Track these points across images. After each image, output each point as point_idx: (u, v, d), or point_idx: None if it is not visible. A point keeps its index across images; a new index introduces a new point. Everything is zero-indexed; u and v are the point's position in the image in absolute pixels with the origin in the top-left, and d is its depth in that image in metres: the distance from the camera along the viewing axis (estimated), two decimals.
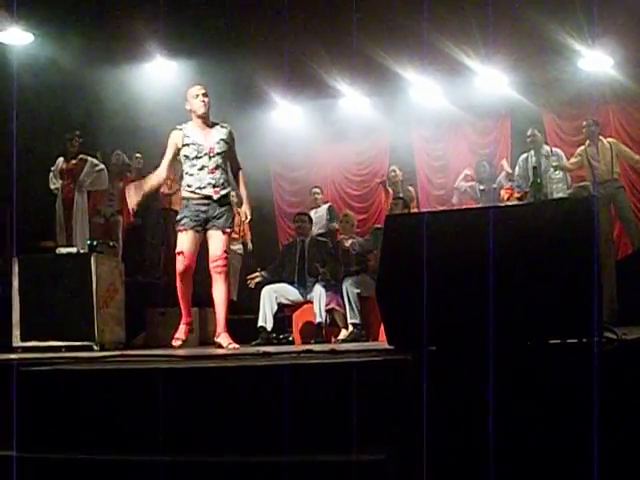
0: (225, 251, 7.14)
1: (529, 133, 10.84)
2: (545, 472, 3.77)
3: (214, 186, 7.10)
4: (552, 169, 10.10)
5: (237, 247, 12.09)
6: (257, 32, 10.82)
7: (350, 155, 13.92)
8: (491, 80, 11.99)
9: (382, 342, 4.66)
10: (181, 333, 7.34)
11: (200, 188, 7.10)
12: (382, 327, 4.77)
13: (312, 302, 9.02)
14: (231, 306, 11.22)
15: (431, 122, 13.01)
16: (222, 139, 7.20)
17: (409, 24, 10.12)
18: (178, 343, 7.24)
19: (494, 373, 3.79)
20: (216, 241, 7.12)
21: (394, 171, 11.81)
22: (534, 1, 10.32)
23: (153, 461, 3.82)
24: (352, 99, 12.87)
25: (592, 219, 4.21)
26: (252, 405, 4.00)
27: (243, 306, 10.92)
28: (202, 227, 7.11)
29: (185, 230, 7.11)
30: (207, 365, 4.58)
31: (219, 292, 7.26)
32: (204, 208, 7.10)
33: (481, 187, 11.08)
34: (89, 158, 10.54)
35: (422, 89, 12.40)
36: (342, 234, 9.96)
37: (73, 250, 8.67)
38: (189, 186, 7.14)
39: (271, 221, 14.05)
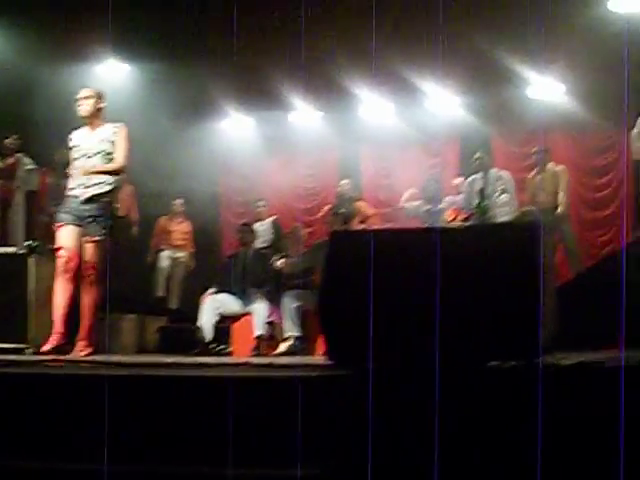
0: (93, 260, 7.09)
1: (477, 156, 10.89)
2: None
3: (86, 187, 7.11)
4: (498, 192, 10.16)
5: (179, 255, 12.00)
6: (211, 41, 10.80)
7: (299, 168, 13.88)
8: (442, 102, 12.06)
9: (321, 357, 4.63)
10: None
11: (73, 189, 7.17)
12: (322, 342, 4.75)
13: (252, 314, 8.98)
14: (173, 314, 11.23)
15: (381, 140, 13.02)
16: (106, 139, 7.22)
17: (363, 41, 10.13)
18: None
19: (434, 393, 3.79)
20: (86, 248, 7.11)
21: (342, 187, 11.81)
22: (487, 26, 10.41)
23: (88, 469, 3.77)
24: (303, 113, 12.86)
25: (535, 244, 4.23)
26: (185, 416, 3.96)
27: (184, 315, 10.85)
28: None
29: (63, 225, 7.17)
30: (142, 373, 4.54)
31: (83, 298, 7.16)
32: (81, 208, 7.11)
33: (427, 207, 11.10)
34: (23, 157, 10.44)
35: (374, 106, 12.43)
36: (288, 247, 9.95)
37: (9, 250, 8.53)
38: (69, 187, 7.22)
39: (216, 231, 13.97)
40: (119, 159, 7.24)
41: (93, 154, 7.18)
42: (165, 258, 11.83)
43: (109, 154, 7.20)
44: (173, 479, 3.76)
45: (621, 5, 9.76)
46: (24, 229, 10.35)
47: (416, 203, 11.17)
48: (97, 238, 7.08)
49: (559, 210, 10.39)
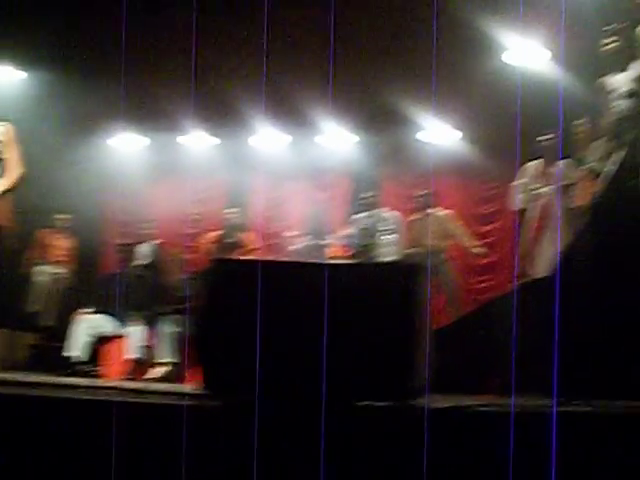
0: None
1: (366, 194, 10.96)
2: None
3: None
4: (384, 232, 10.22)
5: (57, 271, 11.76)
6: (111, 58, 10.67)
7: (186, 193, 13.76)
8: (337, 138, 12.11)
9: (195, 385, 4.55)
10: None
11: None
12: (196, 370, 4.67)
13: (128, 336, 8.84)
14: (47, 331, 10.96)
15: (271, 171, 13.01)
16: None
17: (260, 70, 10.15)
18: None
19: (305, 428, 3.76)
20: None
21: (231, 213, 11.75)
22: (384, 68, 10.54)
23: None
24: (196, 137, 12.77)
25: (415, 286, 4.24)
26: (50, 438, 3.85)
27: (59, 333, 10.60)
28: None
29: None
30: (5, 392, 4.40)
31: None
32: None
33: (311, 242, 11.11)
34: None
35: (268, 137, 12.41)
36: (169, 272, 9.83)
37: None
38: None
39: (98, 249, 13.74)
40: (16, 167, 6.92)
41: None
42: (43, 273, 11.56)
43: None
44: None
45: (514, 57, 9.97)
46: None
47: (300, 240, 11.18)
48: None
49: (442, 253, 10.50)
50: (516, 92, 9.70)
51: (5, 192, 6.91)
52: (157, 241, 11.83)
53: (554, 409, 3.89)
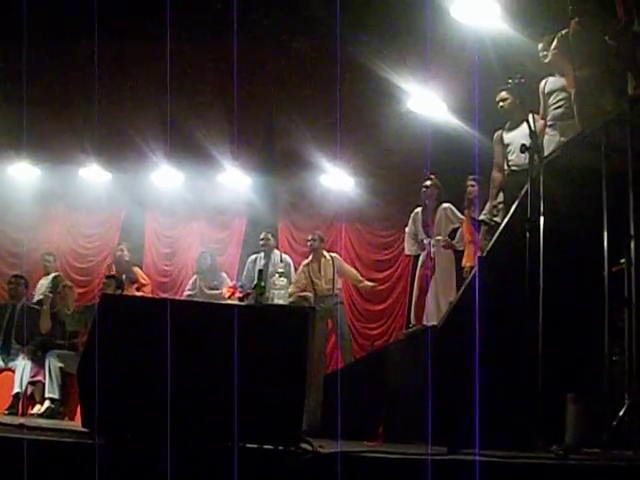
0: None
1: (262, 236, 10.99)
2: None
3: None
4: (277, 274, 10.22)
5: None
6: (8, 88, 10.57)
7: (80, 227, 13.59)
8: (233, 178, 12.09)
9: (79, 422, 4.47)
10: None
11: None
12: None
13: (14, 370, 8.66)
14: None
15: (167, 208, 12.93)
16: None
17: (160, 104, 10.14)
18: None
19: (192, 469, 3.72)
20: None
21: (122, 250, 11.64)
22: (286, 112, 10.63)
23: None
24: (92, 170, 12.60)
25: (306, 330, 4.25)
26: None
27: None
28: None
29: None
30: None
31: None
32: None
33: (202, 282, 11.09)
34: None
35: (166, 173, 12.33)
36: (62, 305, 9.68)
37: None
38: None
39: None
40: None
41: None
42: None
43: None
44: None
45: (418, 105, 10.13)
46: None
47: (193, 277, 11.14)
48: None
49: (334, 297, 10.54)
50: (416, 141, 9.92)
51: None
52: (54, 274, 11.67)
53: (429, 458, 3.92)
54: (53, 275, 11.80)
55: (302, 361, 4.09)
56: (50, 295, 11.07)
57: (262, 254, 10.96)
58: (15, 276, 9.91)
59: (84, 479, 3.78)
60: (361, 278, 10.99)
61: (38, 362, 8.70)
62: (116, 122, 10.60)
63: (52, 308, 10.16)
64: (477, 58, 8.00)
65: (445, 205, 9.29)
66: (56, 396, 8.32)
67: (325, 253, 10.70)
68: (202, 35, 10.93)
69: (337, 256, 10.88)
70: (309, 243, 10.76)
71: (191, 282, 11.36)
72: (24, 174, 12.95)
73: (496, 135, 8.22)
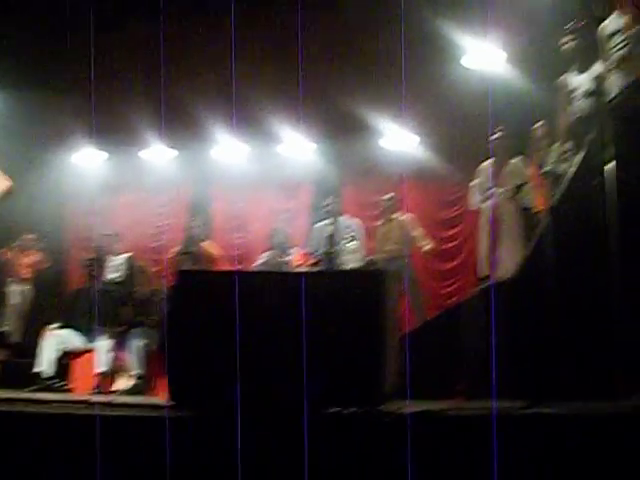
0: None
1: (328, 202, 10.99)
2: None
3: None
4: (347, 239, 10.24)
5: (25, 287, 11.76)
6: (68, 73, 10.65)
7: (150, 206, 13.75)
8: (296, 147, 12.12)
9: (163, 397, 4.56)
10: None
11: None
12: (164, 381, 4.68)
13: (96, 350, 8.81)
14: (14, 348, 10.91)
15: (233, 181, 13.00)
16: None
17: (219, 81, 10.17)
18: None
19: (274, 436, 3.78)
20: None
21: (192, 226, 11.74)
22: (339, 75, 10.58)
23: None
24: (157, 150, 12.74)
25: (380, 292, 4.27)
26: (22, 453, 3.85)
27: (26, 349, 10.56)
28: None
29: None
30: None
31: None
32: None
33: (275, 255, 11.13)
34: None
35: (229, 148, 12.41)
36: (138, 285, 9.81)
37: None
38: None
39: (63, 265, 13.68)
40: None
41: None
42: (11, 291, 11.57)
43: None
44: None
45: (473, 61, 10.03)
46: None
47: (266, 254, 11.20)
48: None
49: (405, 258, 10.53)
50: (477, 94, 9.82)
51: None
52: (127, 254, 11.82)
53: (493, 412, 3.94)
54: (127, 255, 11.96)
55: (379, 323, 4.12)
56: (128, 274, 11.26)
57: (329, 220, 10.97)
58: (91, 258, 10.06)
59: (172, 451, 3.86)
60: (423, 239, 10.93)
61: (119, 341, 8.85)
62: (178, 100, 10.65)
63: (130, 287, 10.33)
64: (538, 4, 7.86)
65: (514, 160, 9.19)
66: (140, 372, 8.45)
67: (397, 214, 10.68)
68: (255, 3, 10.93)
69: (409, 217, 10.84)
70: (381, 204, 10.74)
71: (264, 255, 11.39)
72: (91, 159, 13.14)
73: (560, 81, 8.08)
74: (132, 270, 11.07)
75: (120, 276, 10.96)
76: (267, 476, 3.77)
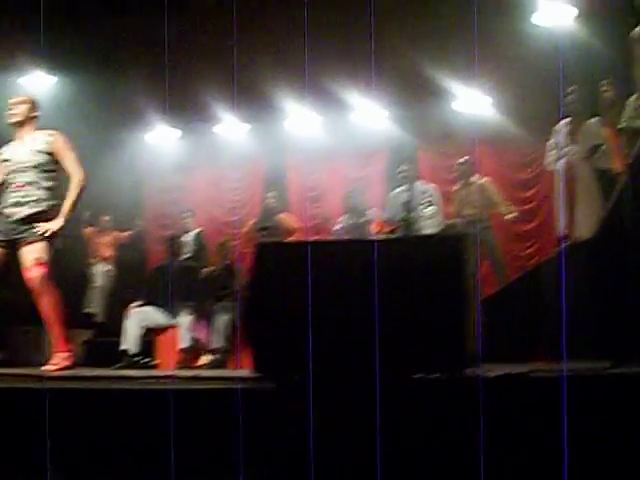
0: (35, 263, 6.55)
1: (403, 168, 10.95)
2: None
3: (18, 204, 6.65)
4: (424, 205, 10.20)
5: (107, 268, 11.97)
6: (140, 52, 10.72)
7: (225, 181, 13.85)
8: (369, 114, 12.09)
9: (247, 369, 4.61)
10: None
11: (5, 207, 6.70)
12: (248, 354, 4.73)
13: (178, 326, 8.92)
14: (98, 327, 11.12)
15: (307, 152, 13.02)
16: (38, 150, 6.72)
17: (290, 53, 10.15)
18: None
19: (360, 405, 3.79)
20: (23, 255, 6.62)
21: (269, 198, 11.80)
22: (414, 39, 10.48)
23: None
24: (230, 125, 12.81)
25: (460, 257, 4.26)
26: (111, 429, 3.92)
27: (110, 328, 10.75)
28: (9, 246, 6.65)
29: None
30: (66, 387, 4.48)
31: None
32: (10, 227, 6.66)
33: (351, 220, 11.13)
34: None
35: (300, 119, 12.42)
36: (216, 259, 9.91)
37: None
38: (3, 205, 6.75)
39: (141, 243, 13.86)
40: (76, 173, 6.76)
41: (28, 168, 6.65)
42: (98, 274, 11.81)
43: (46, 166, 6.69)
44: None
45: (544, 19, 9.88)
46: None
47: (340, 220, 11.21)
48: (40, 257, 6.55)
49: (484, 221, 10.47)
50: (547, 53, 9.67)
51: (74, 203, 6.80)
52: (198, 229, 11.96)
53: (564, 372, 3.90)
54: (196, 231, 12.10)
55: (460, 287, 4.10)
56: (202, 249, 11.39)
57: (405, 186, 10.93)
58: (171, 235, 10.19)
59: (259, 423, 3.89)
60: (503, 203, 10.86)
61: (201, 316, 8.95)
62: (249, 74, 10.66)
63: (208, 262, 10.45)
64: None
65: (590, 120, 9.05)
66: (223, 346, 8.54)
67: (474, 177, 10.62)
68: None
69: (486, 181, 10.77)
70: (457, 168, 10.69)
71: (340, 221, 11.43)
72: (164, 137, 13.26)
73: (635, 32, 7.90)
74: (205, 246, 11.20)
75: (194, 252, 11.10)
76: (352, 446, 3.79)
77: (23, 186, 6.66)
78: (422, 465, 3.79)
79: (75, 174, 6.78)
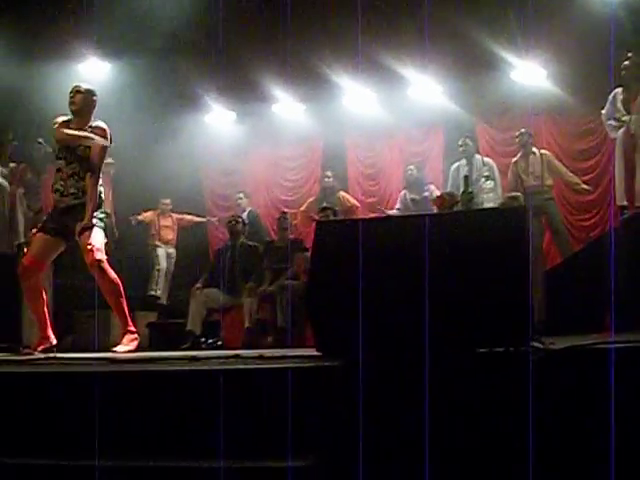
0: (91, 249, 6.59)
1: (461, 142, 10.90)
2: (478, 477, 3.78)
3: (63, 194, 6.74)
4: (483, 179, 10.15)
5: (170, 251, 12.10)
6: (192, 35, 10.77)
7: (283, 161, 13.90)
8: (425, 89, 12.03)
9: (311, 348, 4.63)
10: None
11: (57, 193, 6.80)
12: (311, 333, 4.75)
13: (242, 306, 8.99)
14: (162, 309, 11.25)
15: (364, 130, 13.02)
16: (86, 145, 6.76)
17: (345, 31, 10.14)
18: None
19: (423, 381, 3.79)
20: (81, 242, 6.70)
21: (327, 177, 11.81)
22: (470, 12, 10.40)
23: (83, 465, 3.76)
24: (286, 105, 12.83)
25: (522, 229, 4.23)
26: (179, 410, 3.96)
27: (174, 310, 10.88)
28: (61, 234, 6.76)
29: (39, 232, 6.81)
30: (134, 369, 4.53)
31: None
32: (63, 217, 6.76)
33: (411, 196, 11.11)
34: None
35: (356, 96, 12.40)
36: (278, 238, 9.97)
37: None
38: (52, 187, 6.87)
39: (202, 225, 13.97)
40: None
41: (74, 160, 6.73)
42: (162, 257, 11.95)
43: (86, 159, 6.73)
44: (167, 473, 3.76)
45: None
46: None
47: (401, 196, 11.20)
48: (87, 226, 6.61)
49: (545, 193, 10.41)
50: (602, 22, 9.55)
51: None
52: (250, 209, 12.06)
53: (628, 344, 3.86)
54: (248, 210, 12.19)
55: (523, 260, 4.07)
56: (262, 229, 11.47)
57: (464, 160, 10.89)
58: (233, 216, 10.25)
59: (322, 402, 3.91)
60: (571, 175, 10.79)
61: (264, 296, 9.00)
62: (303, 53, 10.66)
63: (267, 242, 10.51)
64: None
65: None
66: (287, 326, 8.58)
67: (534, 149, 10.55)
68: None
69: (547, 152, 10.70)
70: (517, 139, 10.62)
71: (400, 197, 11.42)
72: (221, 119, 13.33)
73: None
74: (262, 225, 11.26)
75: (251, 232, 11.17)
76: (415, 424, 3.79)
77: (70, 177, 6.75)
78: (487, 440, 3.79)
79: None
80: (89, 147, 6.73)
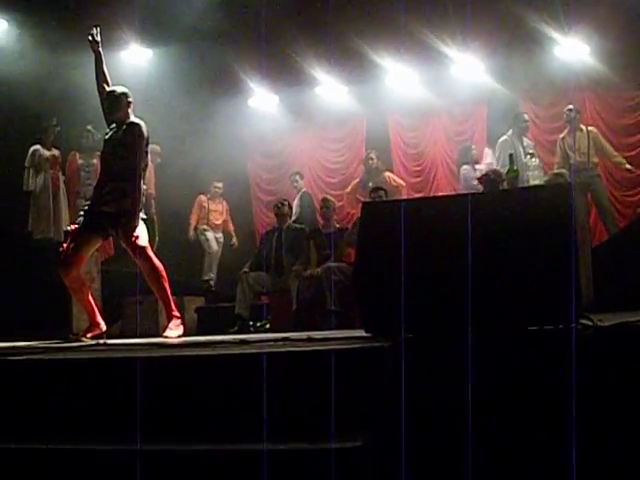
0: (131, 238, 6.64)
1: (508, 120, 10.83)
2: (524, 457, 3.78)
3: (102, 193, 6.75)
4: (528, 156, 10.09)
5: (218, 235, 12.17)
6: (234, 20, 10.78)
7: (327, 143, 13.92)
8: (468, 67, 11.95)
9: (360, 330, 4.65)
10: None
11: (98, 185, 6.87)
12: (359, 314, 4.76)
13: (289, 289, 9.01)
14: (211, 294, 11.32)
15: (407, 110, 13.00)
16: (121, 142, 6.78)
17: (386, 11, 10.11)
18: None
19: (472, 360, 3.80)
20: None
21: (372, 158, 11.80)
22: None
23: (133, 450, 3.81)
24: (329, 87, 12.83)
25: (569, 206, 4.21)
26: (229, 393, 3.99)
27: (222, 294, 10.93)
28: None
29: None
30: (184, 353, 4.57)
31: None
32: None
33: (471, 173, 11.00)
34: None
35: (399, 77, 12.36)
36: (323, 222, 9.97)
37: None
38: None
39: (248, 209, 14.04)
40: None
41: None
42: (212, 241, 12.03)
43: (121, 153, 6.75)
44: (215, 456, 3.79)
45: None
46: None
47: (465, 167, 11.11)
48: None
49: (591, 170, 10.36)
50: None
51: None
52: (303, 190, 12.08)
53: None
54: (301, 192, 12.22)
55: (570, 237, 4.06)
56: (310, 212, 11.48)
57: (510, 132, 10.81)
58: (279, 200, 10.28)
59: (372, 383, 3.93)
60: (616, 154, 10.72)
61: (310, 279, 9.01)
62: (348, 35, 10.64)
63: (313, 224, 10.52)
64: None
65: None
66: (336, 307, 8.57)
67: (581, 126, 10.49)
68: None
69: (594, 129, 10.64)
70: (565, 115, 10.56)
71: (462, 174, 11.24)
72: (264, 103, 13.34)
73: None
74: (313, 206, 11.27)
75: (302, 214, 11.19)
76: (462, 403, 3.80)
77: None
78: (536, 419, 3.80)
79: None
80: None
